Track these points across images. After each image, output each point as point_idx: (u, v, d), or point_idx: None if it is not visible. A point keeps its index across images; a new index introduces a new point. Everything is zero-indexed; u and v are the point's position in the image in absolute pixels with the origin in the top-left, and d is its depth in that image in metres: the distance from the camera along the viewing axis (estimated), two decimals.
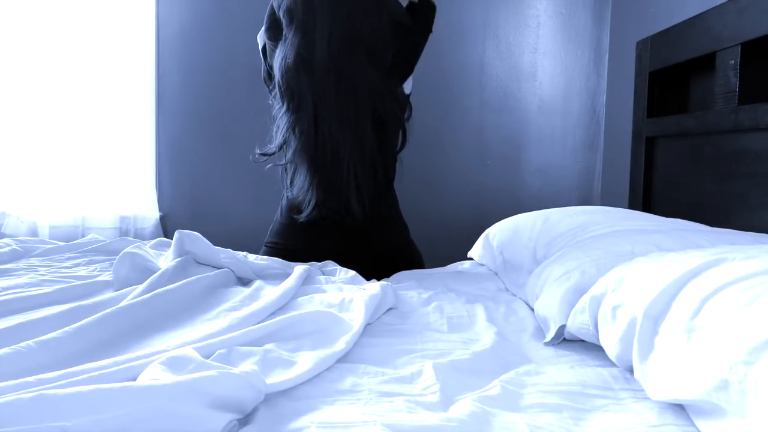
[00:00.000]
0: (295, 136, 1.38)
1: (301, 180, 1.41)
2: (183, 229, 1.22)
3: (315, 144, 1.38)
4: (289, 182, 1.45)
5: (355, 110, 1.38)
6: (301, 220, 1.42)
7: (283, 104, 1.40)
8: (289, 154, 1.40)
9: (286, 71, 1.38)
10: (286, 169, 1.47)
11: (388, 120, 1.42)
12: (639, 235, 1.02)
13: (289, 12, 1.38)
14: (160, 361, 0.64)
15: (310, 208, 1.40)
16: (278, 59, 1.40)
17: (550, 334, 0.88)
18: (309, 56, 1.37)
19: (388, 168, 1.49)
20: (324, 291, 1.10)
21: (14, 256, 1.36)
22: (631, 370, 0.73)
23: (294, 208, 1.45)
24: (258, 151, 1.47)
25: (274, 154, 1.44)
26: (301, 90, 1.37)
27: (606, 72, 2.17)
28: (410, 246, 1.56)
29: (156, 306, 0.92)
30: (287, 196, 1.48)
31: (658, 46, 1.58)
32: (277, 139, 1.41)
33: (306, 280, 1.16)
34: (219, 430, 0.56)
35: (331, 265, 1.33)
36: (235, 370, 0.62)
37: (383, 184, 1.48)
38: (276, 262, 1.26)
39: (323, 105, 1.37)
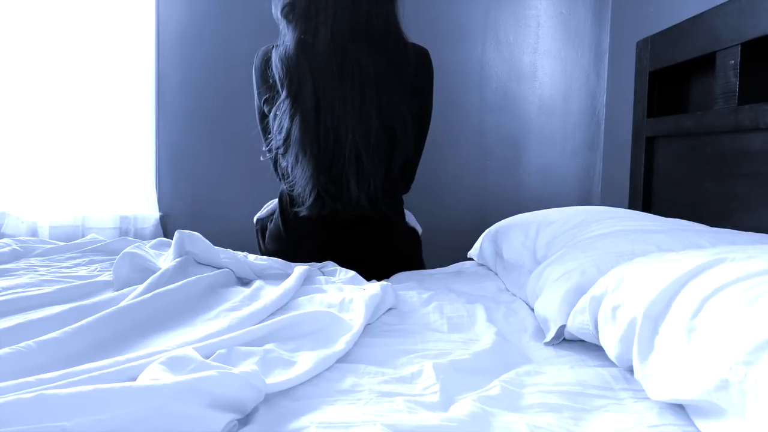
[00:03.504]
0: (295, 124, 1.32)
1: (301, 170, 1.34)
2: (183, 229, 1.21)
3: (316, 131, 1.31)
4: (288, 172, 1.37)
5: (360, 96, 1.31)
6: (302, 215, 1.37)
7: (282, 93, 1.33)
8: (290, 144, 1.33)
9: (286, 58, 1.32)
10: (277, 160, 1.41)
11: (393, 121, 1.35)
12: (639, 235, 1.02)
13: (291, 5, 1.34)
14: (160, 361, 0.64)
15: (311, 199, 1.34)
16: (277, 52, 1.34)
17: (550, 334, 0.88)
18: (311, 40, 1.31)
19: (394, 165, 1.41)
20: (324, 291, 1.10)
21: (14, 256, 1.36)
22: (631, 370, 0.73)
23: (294, 202, 1.39)
24: (264, 148, 1.41)
25: (279, 147, 1.36)
26: (301, 75, 1.30)
27: (606, 72, 2.16)
28: (410, 248, 1.55)
29: (156, 306, 0.92)
30: (286, 191, 1.42)
31: (658, 46, 1.58)
32: (275, 129, 1.35)
33: (306, 281, 1.16)
34: (219, 430, 0.56)
35: (330, 265, 1.33)
36: (235, 370, 0.62)
37: (392, 182, 1.42)
38: (276, 262, 1.26)
39: (325, 90, 1.31)
